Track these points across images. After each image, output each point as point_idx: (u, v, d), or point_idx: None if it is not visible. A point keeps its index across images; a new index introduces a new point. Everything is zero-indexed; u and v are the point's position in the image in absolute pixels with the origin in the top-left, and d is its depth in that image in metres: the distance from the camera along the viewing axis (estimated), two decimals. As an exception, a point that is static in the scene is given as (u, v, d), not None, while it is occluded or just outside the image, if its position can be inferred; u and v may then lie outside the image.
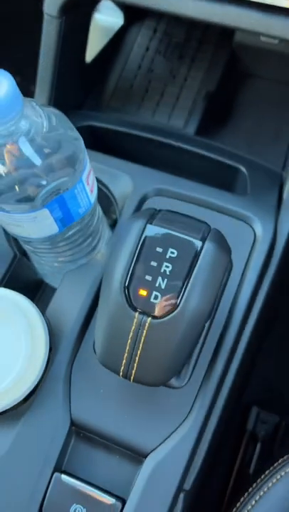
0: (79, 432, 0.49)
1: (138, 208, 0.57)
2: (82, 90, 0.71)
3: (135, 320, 0.39)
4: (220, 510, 0.76)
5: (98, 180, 0.60)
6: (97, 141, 0.65)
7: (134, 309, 0.39)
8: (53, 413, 0.48)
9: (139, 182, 0.57)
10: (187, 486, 0.47)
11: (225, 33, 0.72)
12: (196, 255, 0.39)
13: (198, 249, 0.39)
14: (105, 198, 0.60)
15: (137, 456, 0.47)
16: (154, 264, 0.39)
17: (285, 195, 0.57)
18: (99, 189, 0.61)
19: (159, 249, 0.39)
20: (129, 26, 0.74)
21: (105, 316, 0.40)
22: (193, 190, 0.56)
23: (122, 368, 0.40)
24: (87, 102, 0.73)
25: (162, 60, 0.73)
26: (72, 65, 0.65)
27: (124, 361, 0.40)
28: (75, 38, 0.62)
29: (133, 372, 0.40)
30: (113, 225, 0.60)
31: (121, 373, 0.41)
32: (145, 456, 0.47)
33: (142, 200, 0.57)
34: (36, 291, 0.64)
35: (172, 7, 0.50)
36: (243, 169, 0.59)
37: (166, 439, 0.47)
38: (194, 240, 0.40)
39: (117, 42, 0.74)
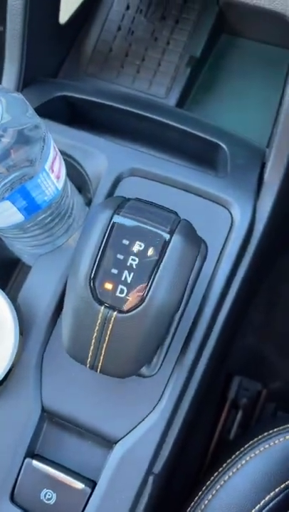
0: (51, 417, 0.50)
1: (112, 188, 0.54)
2: (57, 55, 0.67)
3: (100, 314, 0.38)
4: (198, 477, 0.79)
5: (71, 158, 0.57)
6: (72, 112, 0.62)
7: (100, 303, 0.38)
8: (24, 400, 0.48)
9: (114, 161, 0.55)
10: (156, 469, 0.48)
11: (211, -10, 0.66)
12: (164, 249, 0.38)
13: (166, 242, 0.38)
14: (79, 176, 0.58)
15: (107, 442, 0.48)
16: (120, 257, 0.38)
17: (266, 176, 0.54)
18: (72, 167, 0.58)
19: (126, 242, 0.38)
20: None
21: (71, 309, 0.40)
22: (169, 171, 0.54)
23: (89, 359, 0.40)
24: (64, 68, 0.68)
25: (143, 20, 0.68)
26: (44, 27, 0.60)
27: (90, 353, 0.40)
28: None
29: (100, 364, 0.40)
30: (89, 203, 0.58)
31: (88, 365, 0.41)
32: (115, 443, 0.48)
33: (117, 180, 0.54)
34: (13, 270, 0.63)
35: None
36: (224, 146, 0.56)
37: (135, 427, 0.48)
38: (162, 233, 0.38)
39: (95, -1, 0.69)
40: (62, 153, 0.57)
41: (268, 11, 0.49)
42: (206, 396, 0.57)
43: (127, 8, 0.69)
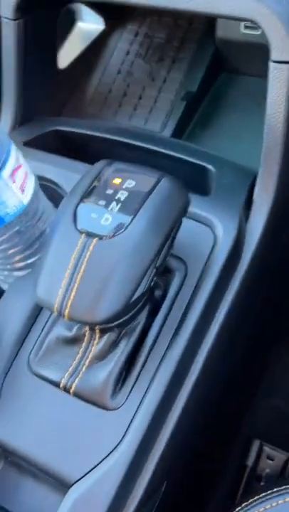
0: (7, 456, 0.44)
1: None
2: (56, 97, 0.69)
3: (80, 241, 0.38)
4: None
5: (54, 184, 0.56)
6: (66, 146, 0.62)
7: (82, 232, 0.38)
8: None
9: None
10: None
11: (208, 31, 0.67)
12: (153, 188, 0.40)
13: (156, 182, 0.40)
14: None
15: (62, 486, 0.42)
16: (110, 192, 0.40)
17: (255, 195, 0.50)
18: (57, 193, 0.57)
19: (118, 180, 0.40)
20: (111, 31, 0.72)
21: (51, 244, 0.39)
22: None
23: (58, 298, 0.38)
24: (66, 109, 0.70)
25: (142, 63, 0.70)
26: (39, 72, 0.63)
27: (61, 289, 0.38)
28: (39, 41, 0.60)
29: (69, 303, 0.38)
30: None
31: (56, 305, 0.38)
32: (69, 486, 0.41)
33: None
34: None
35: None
36: (211, 167, 0.53)
37: (93, 467, 0.41)
38: (152, 176, 0.41)
39: (96, 47, 0.72)
40: (46, 180, 0.57)
41: (261, 46, 0.48)
42: (205, 434, 0.49)
43: (127, 53, 0.71)
